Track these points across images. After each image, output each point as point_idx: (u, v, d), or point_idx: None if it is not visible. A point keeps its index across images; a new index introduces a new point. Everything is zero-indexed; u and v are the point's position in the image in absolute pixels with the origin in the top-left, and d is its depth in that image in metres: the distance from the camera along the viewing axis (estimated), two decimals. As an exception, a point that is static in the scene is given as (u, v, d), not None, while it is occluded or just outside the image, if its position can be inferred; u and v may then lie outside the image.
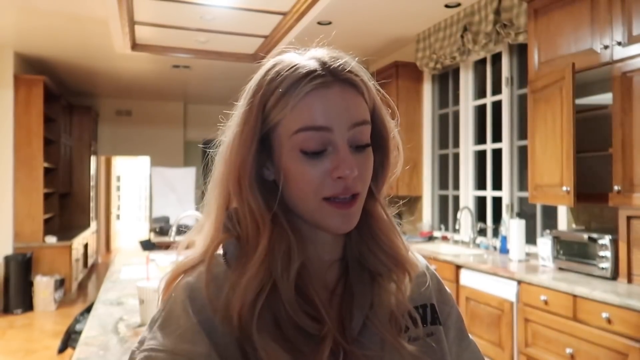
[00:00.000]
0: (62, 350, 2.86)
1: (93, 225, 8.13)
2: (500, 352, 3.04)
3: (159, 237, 5.14)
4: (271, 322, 0.58)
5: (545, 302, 2.71)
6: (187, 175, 7.05)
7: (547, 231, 3.16)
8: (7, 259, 5.42)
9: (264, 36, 4.88)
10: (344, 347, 0.60)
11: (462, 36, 4.03)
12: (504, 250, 3.67)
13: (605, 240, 2.68)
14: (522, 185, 3.80)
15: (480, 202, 4.38)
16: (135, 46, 5.11)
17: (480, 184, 4.37)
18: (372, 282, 0.66)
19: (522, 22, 3.37)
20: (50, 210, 6.35)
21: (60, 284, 5.83)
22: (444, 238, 4.64)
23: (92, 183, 8.08)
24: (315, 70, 0.61)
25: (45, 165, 5.91)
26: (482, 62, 4.29)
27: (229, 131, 0.65)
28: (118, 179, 12.09)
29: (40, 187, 5.74)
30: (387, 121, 0.68)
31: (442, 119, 4.90)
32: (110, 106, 8.47)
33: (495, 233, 4.02)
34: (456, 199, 4.64)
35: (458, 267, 3.50)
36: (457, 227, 4.26)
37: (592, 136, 2.94)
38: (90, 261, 7.75)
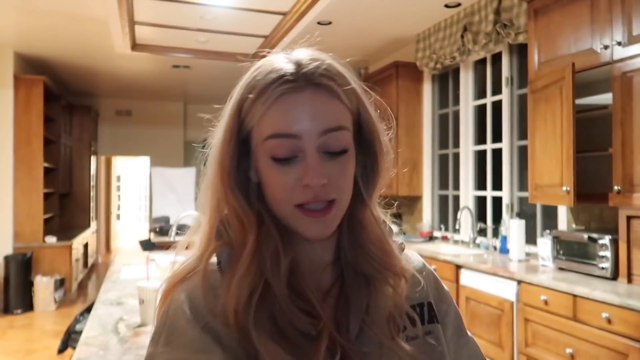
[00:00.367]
0: (62, 350, 2.86)
1: (93, 225, 8.13)
2: (500, 352, 3.04)
3: (159, 237, 5.14)
4: (268, 320, 0.58)
5: (545, 302, 2.71)
6: (187, 175, 7.05)
7: (547, 231, 3.15)
8: (7, 259, 5.42)
9: (264, 36, 4.89)
10: (342, 345, 0.60)
11: (462, 36, 4.03)
12: (504, 250, 3.67)
13: (605, 240, 2.67)
14: (522, 185, 3.80)
15: (480, 202, 4.38)
16: (135, 46, 5.11)
17: (480, 184, 4.37)
18: (368, 286, 0.65)
19: (522, 22, 3.37)
20: (50, 210, 6.34)
21: (60, 284, 5.83)
22: (444, 238, 4.63)
23: (92, 183, 8.08)
24: (284, 75, 0.59)
25: (45, 165, 5.91)
26: (482, 62, 4.29)
27: (215, 134, 0.65)
28: (118, 179, 12.09)
29: (40, 187, 5.74)
30: (374, 125, 0.65)
31: (442, 119, 4.90)
32: (110, 106, 8.47)
33: (495, 233, 4.02)
34: (456, 199, 4.64)
35: (458, 267, 3.50)
36: (457, 227, 4.26)
37: (592, 136, 2.94)
38: (90, 261, 7.75)
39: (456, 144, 4.62)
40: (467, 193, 4.45)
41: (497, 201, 4.07)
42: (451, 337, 0.74)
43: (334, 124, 0.60)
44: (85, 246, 7.24)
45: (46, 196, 6.11)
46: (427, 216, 4.97)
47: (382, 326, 0.63)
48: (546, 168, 2.98)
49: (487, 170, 4.19)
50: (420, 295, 0.71)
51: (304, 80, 0.60)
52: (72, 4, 4.10)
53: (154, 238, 4.98)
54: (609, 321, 2.34)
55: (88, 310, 2.81)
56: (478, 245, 4.13)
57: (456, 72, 4.60)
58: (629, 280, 2.57)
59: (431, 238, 4.74)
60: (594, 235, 2.75)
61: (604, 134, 2.73)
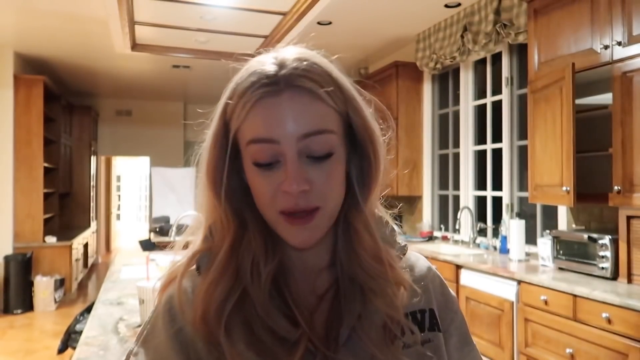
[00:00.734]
0: (62, 350, 2.86)
1: (93, 225, 8.13)
2: (500, 352, 3.04)
3: (159, 237, 5.13)
4: (243, 328, 0.58)
5: (545, 302, 2.71)
6: (187, 175, 7.04)
7: (547, 231, 3.16)
8: (7, 259, 5.41)
9: (264, 36, 4.88)
10: (324, 353, 0.58)
11: (462, 36, 4.03)
12: (504, 250, 3.67)
13: (605, 240, 2.67)
14: (522, 185, 3.80)
15: (480, 202, 4.38)
16: (135, 46, 5.11)
17: (480, 184, 4.37)
18: (362, 292, 0.62)
19: (522, 22, 3.37)
20: (50, 210, 6.34)
21: (60, 284, 5.83)
22: (444, 238, 4.63)
23: (92, 183, 8.08)
24: (263, 78, 0.57)
25: (45, 165, 5.91)
26: (482, 62, 4.29)
27: (206, 137, 0.64)
28: (118, 179, 12.10)
29: (40, 187, 5.74)
30: (368, 126, 0.62)
31: (442, 119, 4.90)
32: (110, 106, 8.48)
33: (495, 233, 4.02)
34: (456, 199, 4.64)
35: (458, 267, 3.50)
36: (457, 227, 4.26)
37: (592, 136, 2.94)
38: (90, 261, 7.75)
39: (456, 144, 4.62)
40: (467, 193, 4.45)
41: (497, 201, 4.07)
42: (455, 346, 0.71)
43: (315, 128, 0.57)
44: (85, 246, 7.24)
45: (46, 196, 6.11)
46: (427, 216, 4.97)
47: (373, 335, 0.61)
48: (546, 168, 2.98)
49: (487, 170, 4.19)
50: (423, 301, 0.68)
51: (283, 83, 0.57)
52: (72, 4, 4.09)
53: (154, 238, 4.98)
54: (609, 321, 2.34)
55: (88, 310, 2.81)
56: (478, 245, 4.13)
57: (456, 72, 4.60)
58: (629, 280, 2.57)
59: (431, 238, 4.74)
60: (594, 235, 2.75)
61: (604, 134, 2.73)
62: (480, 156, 4.37)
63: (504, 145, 3.91)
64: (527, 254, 3.41)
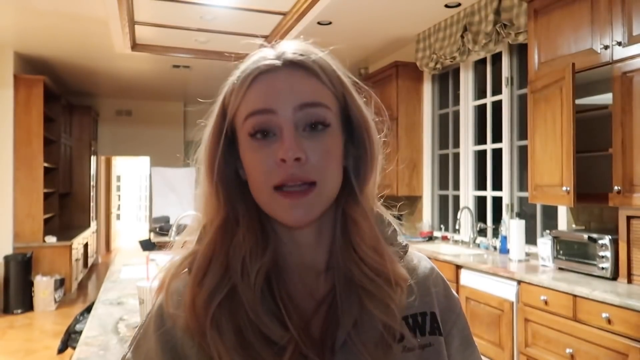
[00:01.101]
0: (62, 350, 2.86)
1: (93, 225, 8.13)
2: (500, 352, 3.04)
3: (159, 237, 5.13)
4: (230, 326, 0.57)
5: (545, 302, 2.71)
6: (187, 175, 7.04)
7: (547, 231, 3.16)
8: (7, 259, 5.41)
9: (264, 36, 4.88)
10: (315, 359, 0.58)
11: (462, 36, 4.03)
12: (504, 250, 3.67)
13: (605, 240, 2.67)
14: (522, 185, 3.80)
15: (480, 202, 4.38)
16: (135, 46, 5.11)
17: (480, 184, 4.37)
18: (359, 295, 0.60)
19: (522, 22, 3.37)
20: (50, 210, 6.34)
21: (60, 283, 5.82)
22: (444, 238, 4.63)
23: (92, 183, 8.08)
24: (262, 60, 0.60)
25: (45, 165, 5.91)
26: (482, 62, 4.29)
27: (204, 133, 0.64)
28: (118, 179, 12.10)
29: (40, 187, 5.74)
30: (363, 115, 0.63)
31: (442, 119, 4.90)
32: (110, 106, 8.47)
33: (495, 233, 4.02)
34: (456, 199, 4.64)
35: (458, 267, 3.50)
36: (457, 227, 4.26)
37: (592, 136, 2.94)
38: (90, 261, 7.75)
39: (456, 144, 4.62)
40: (467, 193, 4.45)
41: (497, 201, 4.07)
42: (457, 348, 0.70)
43: (310, 99, 0.58)
44: (85, 246, 7.24)
45: (46, 196, 6.11)
46: (427, 216, 4.97)
47: (370, 340, 0.59)
48: (546, 168, 2.98)
49: (487, 170, 4.18)
50: (424, 304, 0.67)
51: (281, 62, 0.59)
52: (72, 4, 4.09)
53: (154, 238, 4.98)
54: (609, 321, 2.34)
55: (88, 310, 2.81)
56: (478, 246, 4.13)
57: (456, 72, 4.60)
58: (629, 280, 2.57)
59: (431, 238, 4.74)
60: (594, 236, 2.75)
61: (604, 134, 2.73)
62: (480, 156, 4.37)
63: (504, 145, 3.91)
64: (527, 254, 3.41)
